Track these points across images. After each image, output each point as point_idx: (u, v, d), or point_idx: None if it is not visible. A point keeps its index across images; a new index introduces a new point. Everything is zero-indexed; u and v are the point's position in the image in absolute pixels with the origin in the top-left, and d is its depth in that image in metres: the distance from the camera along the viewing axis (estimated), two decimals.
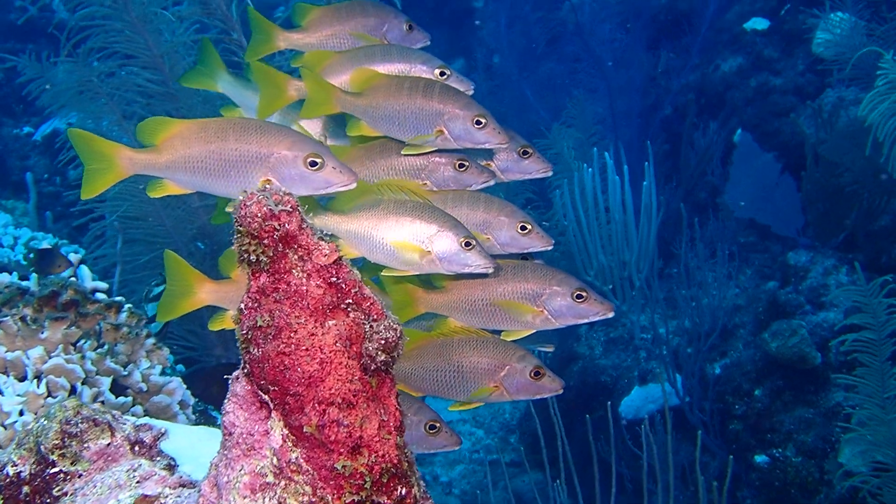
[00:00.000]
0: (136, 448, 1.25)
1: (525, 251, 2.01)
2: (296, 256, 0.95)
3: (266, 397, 0.98)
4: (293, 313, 0.95)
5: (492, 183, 2.01)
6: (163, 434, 1.28)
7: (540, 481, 4.98)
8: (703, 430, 3.99)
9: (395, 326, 0.99)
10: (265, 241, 0.94)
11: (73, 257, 2.08)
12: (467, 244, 1.81)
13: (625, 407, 4.44)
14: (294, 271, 0.95)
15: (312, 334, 0.95)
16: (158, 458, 1.26)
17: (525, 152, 2.08)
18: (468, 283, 1.92)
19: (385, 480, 1.00)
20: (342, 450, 0.97)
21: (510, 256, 2.11)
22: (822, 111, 4.47)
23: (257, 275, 0.96)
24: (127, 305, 1.92)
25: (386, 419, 1.00)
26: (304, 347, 0.95)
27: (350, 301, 0.98)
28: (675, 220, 4.88)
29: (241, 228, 0.94)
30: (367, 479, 0.98)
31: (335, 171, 1.74)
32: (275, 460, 0.98)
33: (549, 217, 5.16)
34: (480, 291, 1.91)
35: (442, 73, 2.03)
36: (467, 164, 1.97)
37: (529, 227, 1.97)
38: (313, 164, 1.72)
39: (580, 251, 4.54)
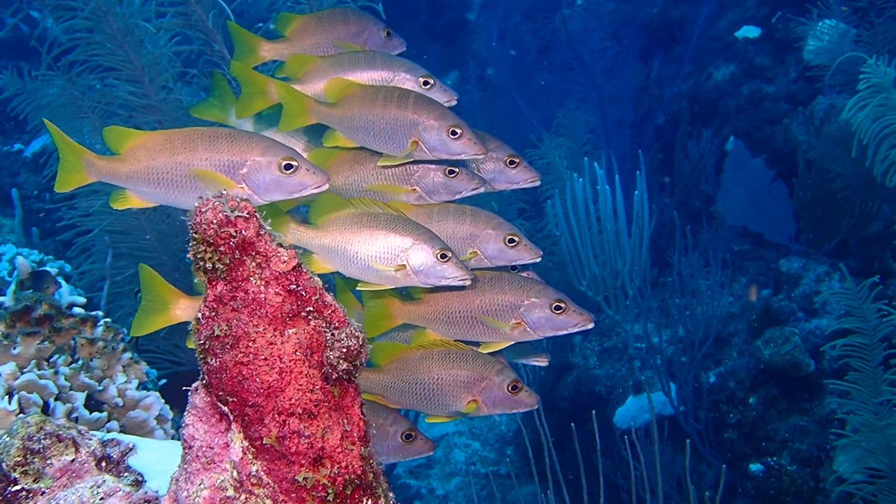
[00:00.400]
0: (103, 464, 1.22)
1: (513, 263, 1.99)
2: (253, 264, 0.93)
3: (226, 409, 0.95)
4: (251, 322, 0.92)
5: (482, 190, 1.99)
6: (131, 449, 1.26)
7: (533, 493, 4.95)
8: (699, 439, 3.95)
9: (357, 334, 0.97)
10: (221, 249, 0.91)
11: (51, 270, 2.05)
12: (443, 256, 1.79)
13: (619, 417, 4.40)
14: (252, 279, 0.93)
15: (271, 343, 0.93)
16: (126, 474, 1.23)
17: (512, 162, 2.06)
18: (446, 295, 1.90)
19: (349, 492, 0.97)
20: (303, 461, 0.94)
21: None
22: (813, 118, 4.46)
23: (214, 283, 0.93)
24: (104, 320, 1.89)
25: (349, 429, 0.98)
26: (262, 357, 0.92)
27: (311, 309, 0.96)
28: (670, 230, 4.86)
29: (196, 236, 0.91)
30: (330, 491, 0.95)
31: (309, 174, 1.73)
32: (235, 473, 0.95)
33: (541, 227, 5.14)
34: (458, 303, 1.88)
35: (426, 83, 2.01)
36: (457, 170, 1.95)
37: (517, 239, 1.94)
38: (288, 167, 1.70)
39: (573, 261, 4.52)
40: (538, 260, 1.99)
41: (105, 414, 1.70)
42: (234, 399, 0.93)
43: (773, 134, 5.48)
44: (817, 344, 3.70)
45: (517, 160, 2.06)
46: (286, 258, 0.94)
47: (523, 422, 3.59)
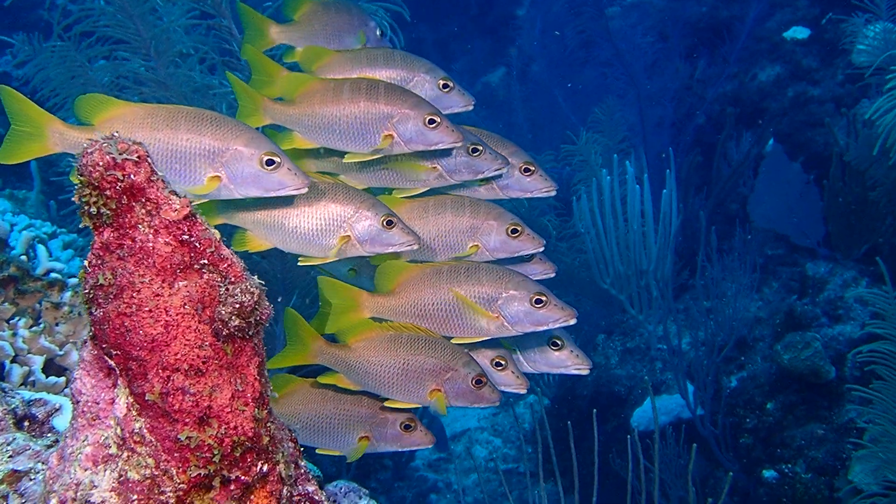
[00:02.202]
0: (26, 423, 1.20)
1: (516, 255, 1.91)
2: (143, 211, 0.89)
3: (112, 363, 0.91)
4: (137, 271, 0.88)
5: (505, 170, 1.90)
6: (57, 409, 1.23)
7: (550, 491, 4.88)
8: (715, 443, 3.85)
9: (252, 290, 0.92)
10: (107, 193, 0.87)
11: (25, 235, 2.03)
12: (388, 223, 1.71)
13: (637, 418, 4.31)
14: (140, 226, 0.89)
15: (157, 295, 0.88)
16: (49, 434, 1.20)
17: (527, 169, 1.96)
18: (417, 286, 1.80)
19: (238, 454, 0.93)
20: (188, 420, 0.90)
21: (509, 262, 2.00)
22: (855, 121, 4.32)
23: (101, 230, 0.89)
24: (72, 284, 1.87)
25: (242, 389, 0.93)
26: (146, 308, 0.88)
27: (205, 262, 0.91)
28: (712, 234, 4.76)
29: (82, 178, 0.87)
30: (216, 452, 0.91)
31: (290, 174, 1.66)
32: (119, 430, 0.91)
33: (571, 224, 5.06)
34: (431, 295, 1.79)
35: (445, 86, 1.92)
36: (481, 147, 1.86)
37: (520, 229, 1.86)
38: (270, 163, 1.63)
39: (597, 259, 4.44)
40: (541, 249, 1.91)
41: (63, 379, 1.68)
42: (118, 352, 0.89)
43: (813, 137, 5.35)
44: (839, 350, 3.57)
45: (532, 168, 1.97)
46: (178, 206, 0.89)
47: (538, 422, 3.52)
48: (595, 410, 3.34)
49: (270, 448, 0.97)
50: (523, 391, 1.86)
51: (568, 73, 7.33)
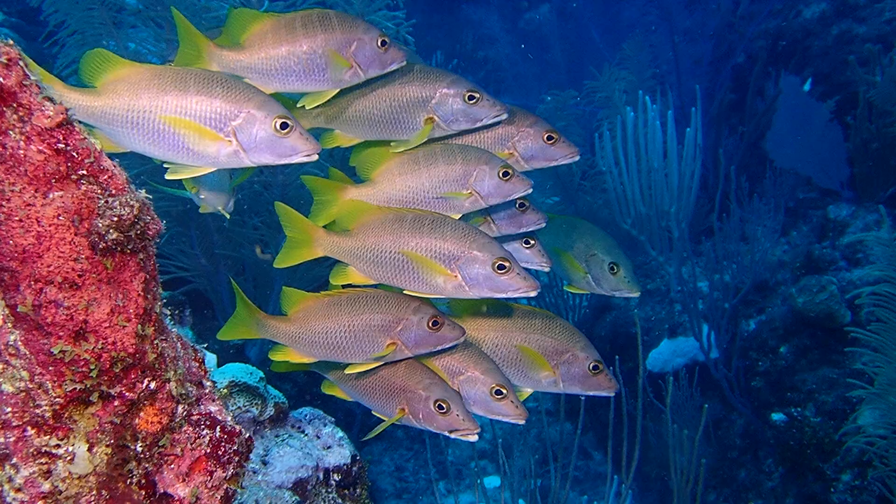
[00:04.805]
0: None
1: (509, 198, 1.87)
2: (14, 116, 0.87)
3: None
4: (7, 179, 0.87)
5: (504, 116, 1.84)
6: None
7: (569, 431, 4.89)
8: (728, 386, 3.81)
9: (132, 203, 0.91)
10: None
11: None
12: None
13: (652, 359, 4.28)
14: (11, 132, 0.87)
15: (29, 204, 0.88)
16: None
17: (550, 137, 1.91)
18: (377, 231, 1.72)
19: (118, 370, 0.93)
20: (62, 333, 0.90)
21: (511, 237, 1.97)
22: (893, 61, 4.17)
23: None
24: None
25: (123, 305, 0.93)
26: (17, 218, 0.87)
27: (84, 172, 0.90)
28: (736, 174, 4.65)
29: None
30: (94, 367, 0.91)
31: (302, 138, 1.58)
32: None
33: (593, 163, 4.99)
34: (391, 242, 1.71)
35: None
36: (478, 95, 1.81)
37: (511, 171, 1.81)
38: (284, 126, 1.55)
39: (619, 199, 4.38)
40: (530, 191, 1.86)
41: None
42: None
43: (852, 76, 5.18)
44: (858, 296, 3.49)
45: (555, 136, 1.90)
46: (51, 113, 0.88)
47: None
48: (616, 357, 3.34)
49: (158, 365, 0.97)
50: (521, 422, 1.78)
51: (606, 9, 7.19)
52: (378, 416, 1.85)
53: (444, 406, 1.72)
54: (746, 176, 4.69)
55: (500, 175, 1.79)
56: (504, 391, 1.78)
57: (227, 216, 2.37)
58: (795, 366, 3.56)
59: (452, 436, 1.73)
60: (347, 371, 1.79)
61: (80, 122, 0.92)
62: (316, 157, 1.60)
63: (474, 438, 1.75)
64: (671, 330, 4.37)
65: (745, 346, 3.84)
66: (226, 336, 1.81)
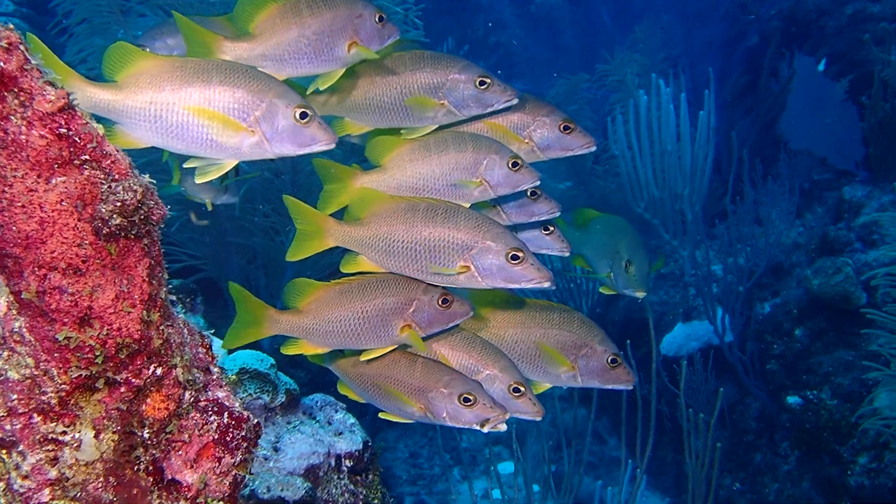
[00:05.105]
0: None
1: (517, 189, 1.85)
2: (16, 101, 0.87)
3: None
4: (9, 165, 0.86)
5: (515, 101, 1.82)
6: None
7: (583, 416, 4.87)
8: (742, 370, 3.79)
9: (135, 188, 0.90)
10: None
11: None
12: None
13: (666, 343, 4.26)
14: (12, 118, 0.86)
15: (32, 190, 0.87)
16: None
17: (566, 127, 1.87)
18: (390, 220, 1.70)
19: (123, 356, 0.92)
20: (66, 320, 0.89)
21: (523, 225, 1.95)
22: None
23: None
24: None
25: (128, 290, 0.92)
26: (20, 204, 0.87)
27: (87, 157, 0.89)
28: (750, 157, 4.62)
29: None
30: (99, 354, 0.90)
31: (321, 128, 1.57)
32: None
33: (605, 147, 4.97)
34: (403, 232, 1.69)
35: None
36: (489, 80, 1.79)
37: (520, 162, 1.78)
38: (304, 115, 1.54)
39: (631, 182, 4.35)
40: (538, 183, 1.85)
41: None
42: None
43: (867, 56, 5.12)
44: (873, 277, 3.46)
45: (571, 125, 1.87)
46: (53, 97, 0.87)
47: None
48: (628, 341, 3.33)
49: (164, 351, 0.96)
50: (539, 418, 1.76)
51: None
52: (385, 417, 1.83)
53: (469, 398, 1.71)
54: (760, 158, 4.66)
55: (510, 165, 1.78)
56: (522, 388, 1.76)
57: (211, 208, 2.38)
58: (811, 348, 3.54)
59: (485, 429, 1.72)
60: (362, 358, 1.78)
61: (79, 104, 0.91)
62: (333, 146, 1.59)
63: (503, 428, 1.73)
64: (685, 314, 4.35)
65: (760, 329, 3.82)
66: (232, 344, 1.77)
